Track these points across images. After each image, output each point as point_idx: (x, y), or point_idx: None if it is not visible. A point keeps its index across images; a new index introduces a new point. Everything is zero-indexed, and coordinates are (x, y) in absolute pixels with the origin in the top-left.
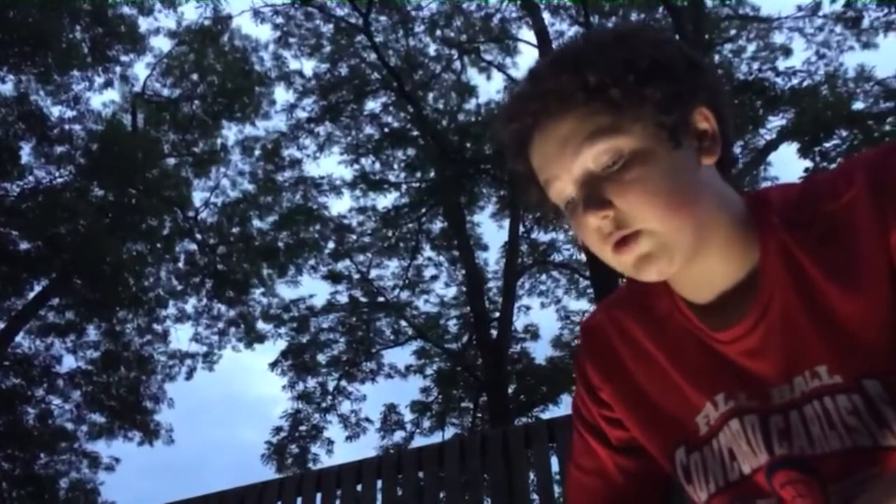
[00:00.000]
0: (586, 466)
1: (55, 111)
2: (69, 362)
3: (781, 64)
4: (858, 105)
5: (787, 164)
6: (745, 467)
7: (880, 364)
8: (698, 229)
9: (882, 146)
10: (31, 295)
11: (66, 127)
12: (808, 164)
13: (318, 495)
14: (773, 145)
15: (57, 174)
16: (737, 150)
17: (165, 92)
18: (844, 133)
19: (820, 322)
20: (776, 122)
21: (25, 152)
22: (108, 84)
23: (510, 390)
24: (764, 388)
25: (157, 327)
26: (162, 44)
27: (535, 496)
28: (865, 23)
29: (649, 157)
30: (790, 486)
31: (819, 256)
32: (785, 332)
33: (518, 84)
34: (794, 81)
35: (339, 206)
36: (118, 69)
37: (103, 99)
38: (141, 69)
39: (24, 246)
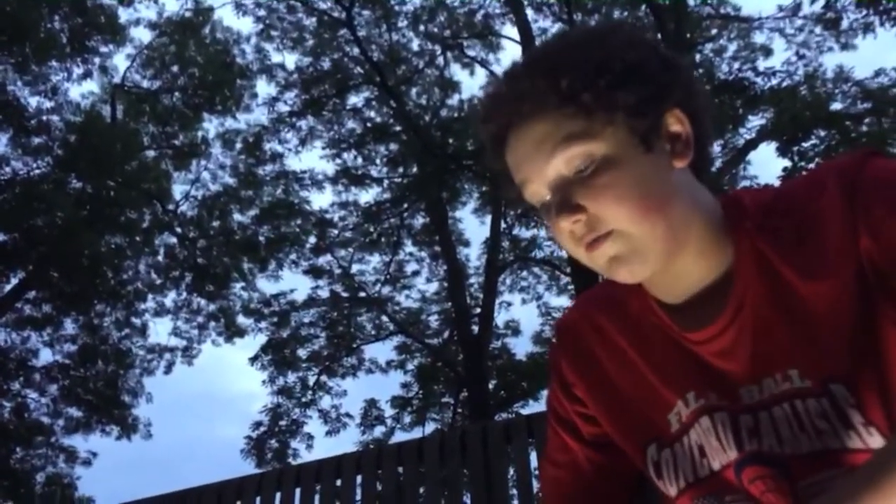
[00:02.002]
0: (560, 461)
1: (33, 102)
2: (46, 356)
3: (762, 64)
4: (837, 105)
5: (766, 164)
6: (715, 463)
7: (846, 368)
8: (671, 232)
9: (855, 152)
10: (8, 288)
11: (44, 118)
12: (786, 163)
13: (298, 490)
14: (752, 144)
15: (34, 165)
16: (716, 148)
17: (145, 83)
18: (822, 133)
19: (792, 325)
20: (756, 121)
21: (2, 143)
22: (87, 75)
23: (491, 386)
24: (734, 388)
25: (136, 321)
26: (142, 35)
27: (513, 491)
28: (844, 24)
29: (621, 161)
30: (759, 482)
31: (791, 260)
32: (756, 334)
33: (494, 82)
34: (774, 81)
35: (321, 200)
36: (97, 60)
37: (82, 90)
38: (121, 60)
39: (0, 238)
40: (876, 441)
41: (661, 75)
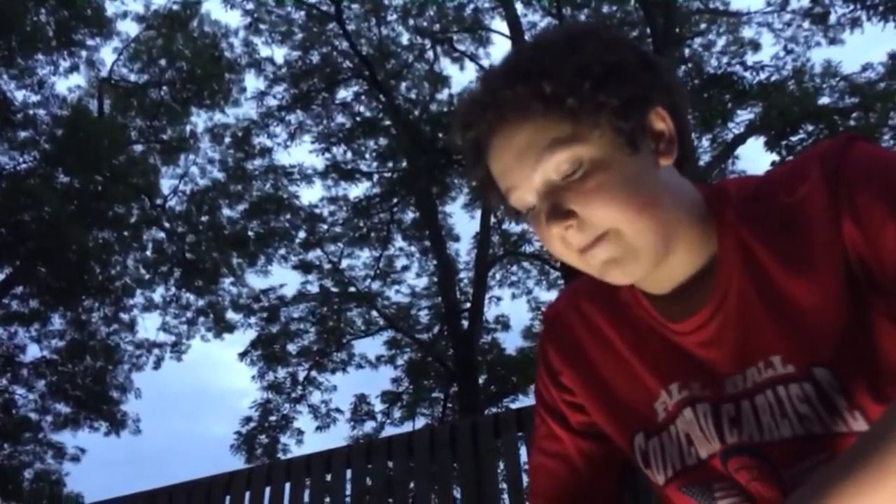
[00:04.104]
0: (549, 450)
1: (19, 95)
2: (33, 351)
3: (750, 58)
4: (824, 100)
5: (755, 158)
6: (702, 452)
7: (830, 352)
8: (662, 232)
9: (837, 138)
10: None
11: (31, 112)
12: (774, 157)
13: (287, 485)
14: (741, 139)
15: (21, 160)
16: (705, 143)
17: (133, 77)
18: (810, 128)
19: (775, 312)
20: (744, 115)
21: None
22: (73, 68)
23: (481, 380)
24: (718, 378)
25: (124, 316)
26: (129, 28)
27: (503, 484)
28: (832, 19)
29: (609, 164)
30: (745, 471)
31: (775, 248)
32: (740, 323)
33: (471, 91)
34: (763, 76)
35: (310, 195)
36: (84, 53)
37: (69, 84)
38: (108, 54)
39: None
40: (861, 425)
41: (642, 74)
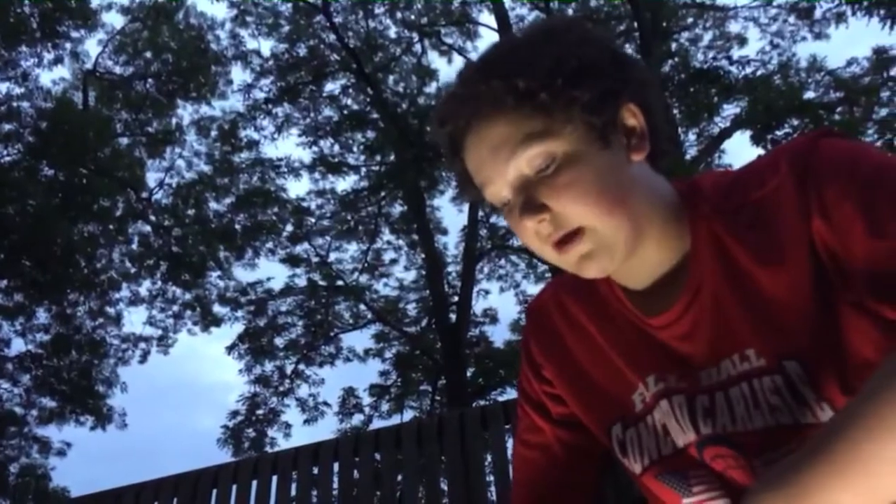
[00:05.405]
0: (530, 441)
1: (2, 88)
2: (18, 345)
3: (736, 53)
4: (809, 95)
5: (741, 153)
6: (679, 442)
7: (799, 345)
8: (634, 226)
9: (807, 134)
10: None
11: (15, 104)
12: (760, 151)
13: (274, 478)
14: (726, 133)
15: (4, 153)
16: (691, 137)
17: (118, 70)
18: (795, 122)
19: (748, 306)
20: (730, 110)
21: None
22: (58, 61)
23: (468, 373)
24: (693, 371)
25: (110, 310)
26: (114, 20)
27: (490, 477)
28: (818, 14)
29: (581, 158)
30: (720, 460)
31: (747, 242)
32: (714, 317)
33: (450, 86)
34: (748, 70)
35: (298, 188)
36: (69, 45)
37: (53, 76)
38: (92, 46)
39: None
40: (828, 416)
41: (615, 70)
